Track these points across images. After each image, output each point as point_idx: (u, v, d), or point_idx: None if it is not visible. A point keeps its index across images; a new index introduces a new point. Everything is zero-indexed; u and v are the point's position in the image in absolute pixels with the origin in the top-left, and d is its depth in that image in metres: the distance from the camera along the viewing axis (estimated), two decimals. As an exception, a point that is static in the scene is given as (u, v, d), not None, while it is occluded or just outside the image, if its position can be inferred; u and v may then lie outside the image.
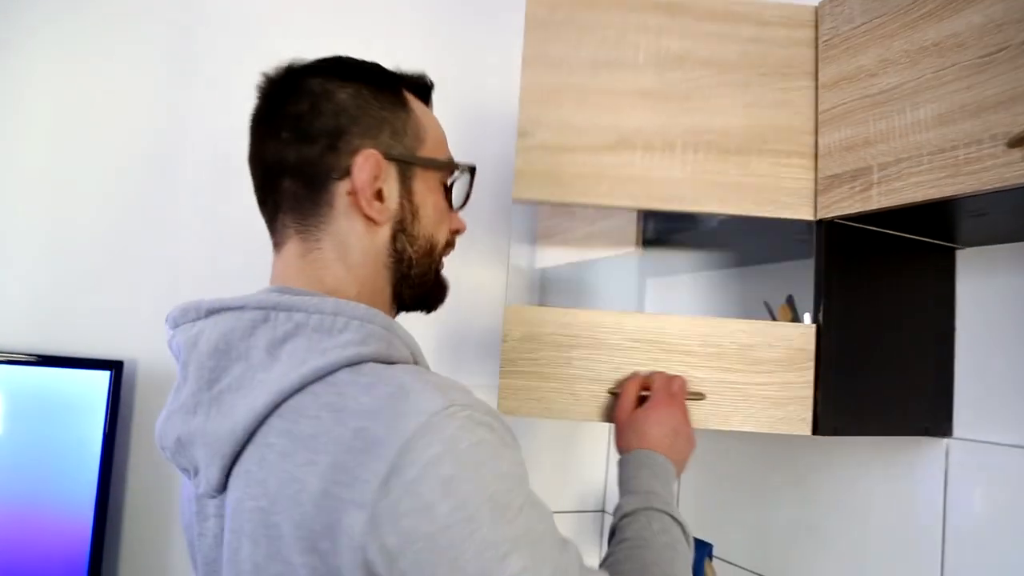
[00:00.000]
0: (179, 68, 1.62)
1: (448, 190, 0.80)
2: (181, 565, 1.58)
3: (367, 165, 0.71)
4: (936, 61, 0.88)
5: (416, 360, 0.72)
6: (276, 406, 0.62)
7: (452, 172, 0.80)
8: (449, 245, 0.82)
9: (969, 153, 0.83)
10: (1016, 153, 0.78)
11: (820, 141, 1.05)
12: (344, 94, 0.73)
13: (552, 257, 1.78)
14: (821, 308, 1.03)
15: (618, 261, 1.52)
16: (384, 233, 0.74)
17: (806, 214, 1.06)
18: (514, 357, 1.09)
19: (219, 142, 1.64)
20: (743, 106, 1.11)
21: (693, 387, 1.06)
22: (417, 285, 0.78)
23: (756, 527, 1.48)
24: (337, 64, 0.76)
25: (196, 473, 0.68)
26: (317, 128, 0.72)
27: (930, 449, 1.18)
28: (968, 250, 1.17)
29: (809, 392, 1.01)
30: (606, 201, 1.11)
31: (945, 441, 1.16)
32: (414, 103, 0.78)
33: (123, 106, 1.57)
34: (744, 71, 1.11)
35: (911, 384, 1.13)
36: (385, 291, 0.76)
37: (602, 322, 1.09)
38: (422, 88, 0.81)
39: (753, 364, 1.09)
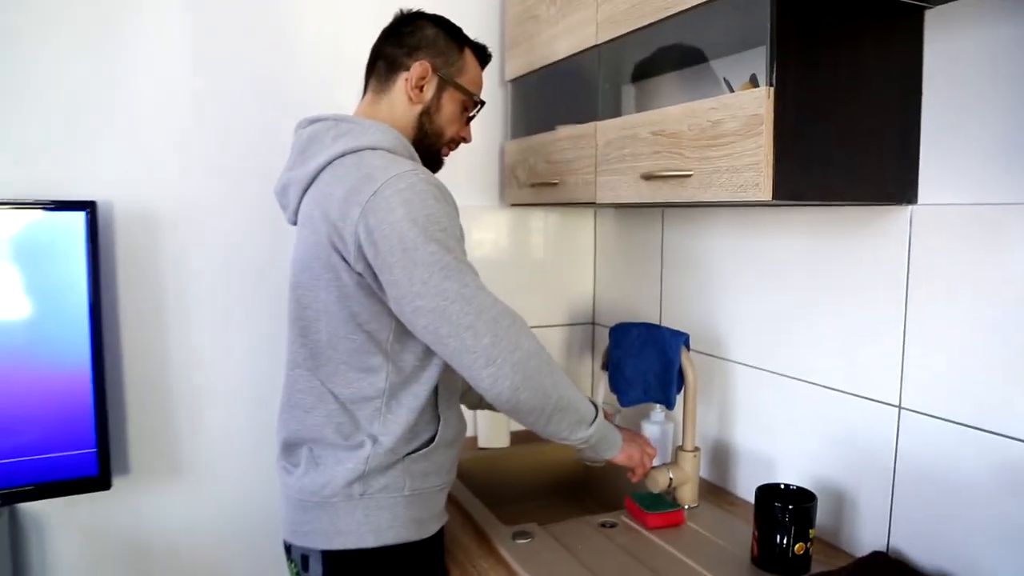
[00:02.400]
0: None
1: (466, 110, 1.31)
2: (181, 391, 1.65)
3: (419, 68, 1.22)
4: None
5: (414, 159, 1.19)
6: (328, 163, 1.14)
7: (471, 99, 1.30)
8: (453, 141, 1.31)
9: None
10: None
11: None
12: (430, 31, 1.25)
13: (520, 66, 1.72)
14: (774, 70, 0.99)
15: (583, 62, 1.47)
16: (416, 109, 1.24)
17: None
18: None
19: None
20: None
21: (685, 167, 1.16)
22: (425, 150, 1.26)
23: (728, 315, 1.52)
24: (436, 17, 1.28)
25: (288, 207, 1.22)
26: (407, 42, 1.24)
27: (895, 217, 1.17)
28: (936, 8, 1.11)
29: (765, 157, 0.99)
30: (628, 29, 1.30)
31: (910, 208, 1.15)
32: (469, 56, 1.29)
33: None
34: None
35: (875, 149, 1.10)
36: (408, 139, 1.22)
37: (622, 123, 1.31)
38: (482, 53, 1.33)
39: (719, 138, 1.07)
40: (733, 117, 1.05)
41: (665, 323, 1.73)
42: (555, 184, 1.55)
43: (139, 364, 1.61)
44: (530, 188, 1.68)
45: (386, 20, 1.29)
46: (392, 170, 1.06)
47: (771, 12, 0.99)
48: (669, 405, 1.45)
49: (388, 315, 1.11)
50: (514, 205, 1.86)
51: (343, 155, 1.13)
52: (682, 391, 1.44)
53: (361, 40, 1.34)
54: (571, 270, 2.03)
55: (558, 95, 1.67)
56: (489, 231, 1.92)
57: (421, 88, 1.23)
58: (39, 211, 1.44)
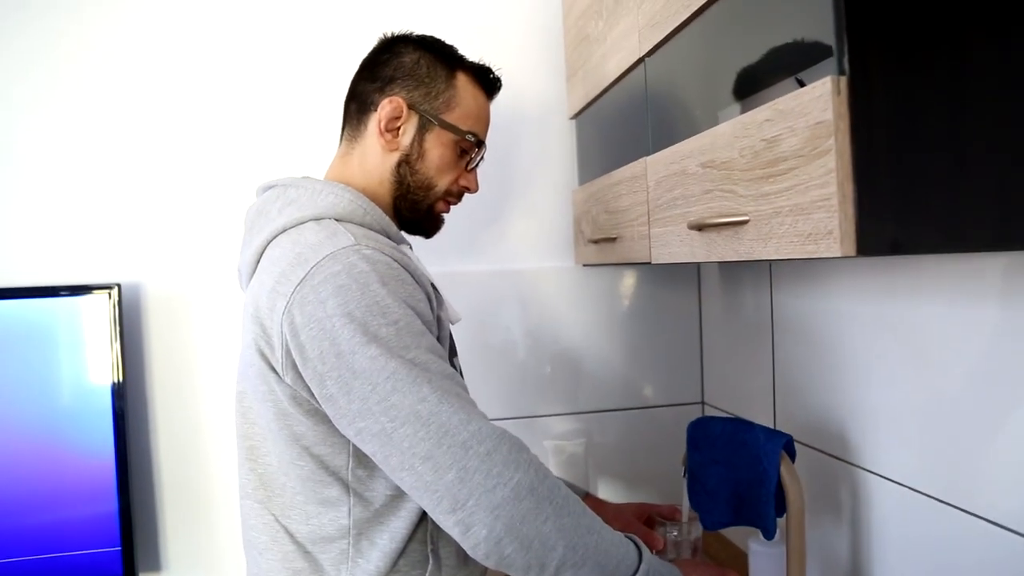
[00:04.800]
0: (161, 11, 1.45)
1: (464, 152, 1.04)
2: (219, 480, 1.50)
3: (389, 107, 0.98)
4: None
5: (387, 233, 0.95)
6: (268, 243, 0.91)
7: (464, 139, 1.02)
8: (451, 194, 1.05)
9: None
10: None
11: None
12: (408, 58, 1.01)
13: (579, 98, 1.43)
14: (846, 48, 0.63)
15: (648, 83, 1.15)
16: (393, 158, 1.00)
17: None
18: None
19: (202, 77, 1.47)
20: None
21: (739, 211, 0.80)
22: (411, 208, 1.02)
23: (860, 406, 1.09)
24: (421, 39, 1.03)
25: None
26: (380, 74, 1.01)
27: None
28: None
29: (839, 188, 0.63)
30: (669, 29, 0.98)
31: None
32: (464, 84, 1.02)
33: (114, 45, 1.44)
34: None
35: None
36: (385, 198, 1.01)
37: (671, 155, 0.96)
38: (484, 78, 1.05)
39: (778, 163, 0.72)
40: (792, 130, 0.69)
41: (779, 411, 1.32)
42: (614, 240, 1.23)
43: (172, 452, 1.48)
44: (594, 245, 1.36)
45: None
46: (326, 248, 0.83)
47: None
48: (766, 533, 1.05)
49: (340, 435, 0.85)
50: (586, 265, 1.55)
51: (284, 231, 0.91)
52: (785, 514, 1.04)
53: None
54: (673, 341, 1.66)
55: (625, 127, 1.36)
56: (566, 298, 1.61)
57: (396, 131, 1.00)
58: (62, 297, 1.37)
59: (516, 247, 1.60)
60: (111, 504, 1.38)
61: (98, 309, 1.38)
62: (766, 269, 1.34)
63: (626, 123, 1.21)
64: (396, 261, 0.85)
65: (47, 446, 1.35)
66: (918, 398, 0.97)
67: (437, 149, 1.01)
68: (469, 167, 1.06)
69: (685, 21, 0.92)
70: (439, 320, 0.91)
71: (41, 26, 1.41)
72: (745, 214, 0.78)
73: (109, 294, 1.38)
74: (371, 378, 0.77)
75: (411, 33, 1.05)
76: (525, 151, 1.59)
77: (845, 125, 0.63)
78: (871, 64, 0.64)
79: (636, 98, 1.14)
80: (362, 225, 0.92)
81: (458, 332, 1.51)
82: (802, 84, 0.89)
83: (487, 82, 1.06)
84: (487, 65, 1.06)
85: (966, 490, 0.90)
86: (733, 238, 0.81)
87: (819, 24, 0.68)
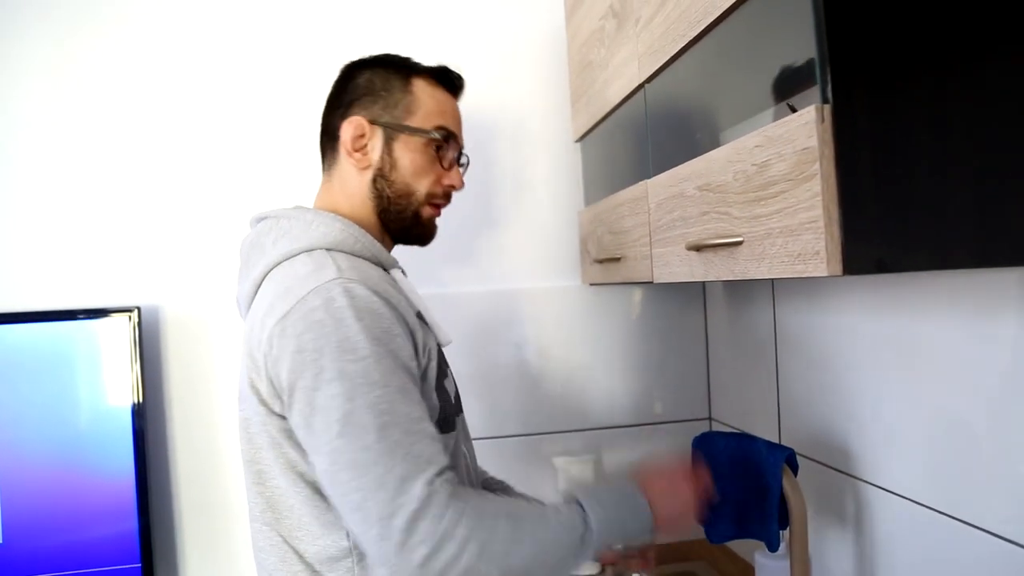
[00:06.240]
0: (168, 37, 1.51)
1: (439, 150, 1.03)
2: (238, 501, 1.53)
3: (349, 127, 1.00)
4: None
5: (379, 259, 0.97)
6: (264, 275, 0.94)
7: (432, 139, 1.02)
8: (435, 196, 1.04)
9: None
10: None
11: None
12: (362, 78, 1.03)
13: (584, 122, 1.47)
14: (829, 76, 0.67)
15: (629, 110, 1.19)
16: (368, 175, 1.01)
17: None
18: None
19: (214, 101, 1.53)
20: None
21: (734, 232, 0.83)
22: (396, 219, 1.03)
23: (863, 420, 1.11)
24: (372, 58, 1.05)
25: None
26: (340, 101, 1.04)
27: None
28: None
29: (825, 211, 0.66)
30: (667, 57, 1.01)
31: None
32: (422, 87, 1.03)
33: (120, 71, 1.50)
34: None
35: (1015, 186, 0.72)
36: (371, 217, 1.02)
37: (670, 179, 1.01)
38: (442, 76, 1.05)
39: (769, 187, 0.76)
40: (780, 156, 0.73)
41: (784, 425, 1.34)
42: (619, 259, 1.27)
43: (191, 471, 1.52)
44: (599, 265, 1.40)
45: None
46: (311, 282, 0.85)
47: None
48: (769, 545, 1.07)
49: None
50: (592, 285, 1.58)
51: (278, 264, 0.93)
52: (788, 527, 1.06)
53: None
54: (680, 358, 1.69)
55: (628, 150, 1.40)
56: (574, 317, 1.64)
57: (364, 148, 1.01)
58: (83, 320, 1.41)
59: (525, 267, 1.63)
60: (131, 522, 1.41)
61: (118, 332, 1.42)
62: (769, 286, 1.36)
63: (628, 146, 1.25)
64: (377, 294, 0.86)
65: (69, 466, 1.39)
66: (921, 411, 0.99)
67: (408, 155, 1.01)
68: (445, 164, 1.05)
69: (681, 50, 0.96)
70: (424, 347, 0.92)
71: (69, 52, 1.47)
72: (739, 235, 0.81)
73: (129, 317, 1.43)
74: (326, 416, 0.80)
75: (362, 58, 1.06)
76: (533, 173, 1.63)
77: (830, 151, 0.66)
78: (854, 92, 0.67)
79: (637, 122, 1.18)
80: (352, 253, 0.94)
81: (470, 351, 1.56)
82: (793, 109, 0.92)
83: (446, 80, 1.06)
84: (444, 65, 1.06)
85: (970, 503, 0.92)
86: (729, 258, 0.84)
87: (804, 54, 0.71)
